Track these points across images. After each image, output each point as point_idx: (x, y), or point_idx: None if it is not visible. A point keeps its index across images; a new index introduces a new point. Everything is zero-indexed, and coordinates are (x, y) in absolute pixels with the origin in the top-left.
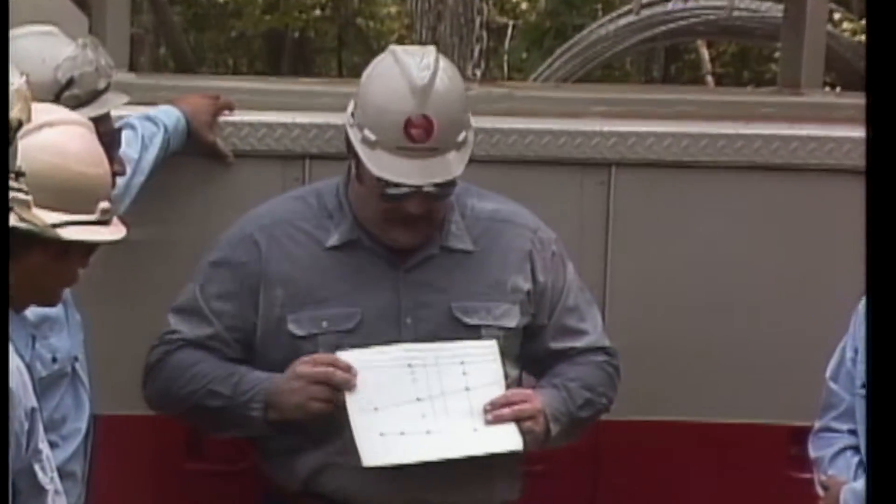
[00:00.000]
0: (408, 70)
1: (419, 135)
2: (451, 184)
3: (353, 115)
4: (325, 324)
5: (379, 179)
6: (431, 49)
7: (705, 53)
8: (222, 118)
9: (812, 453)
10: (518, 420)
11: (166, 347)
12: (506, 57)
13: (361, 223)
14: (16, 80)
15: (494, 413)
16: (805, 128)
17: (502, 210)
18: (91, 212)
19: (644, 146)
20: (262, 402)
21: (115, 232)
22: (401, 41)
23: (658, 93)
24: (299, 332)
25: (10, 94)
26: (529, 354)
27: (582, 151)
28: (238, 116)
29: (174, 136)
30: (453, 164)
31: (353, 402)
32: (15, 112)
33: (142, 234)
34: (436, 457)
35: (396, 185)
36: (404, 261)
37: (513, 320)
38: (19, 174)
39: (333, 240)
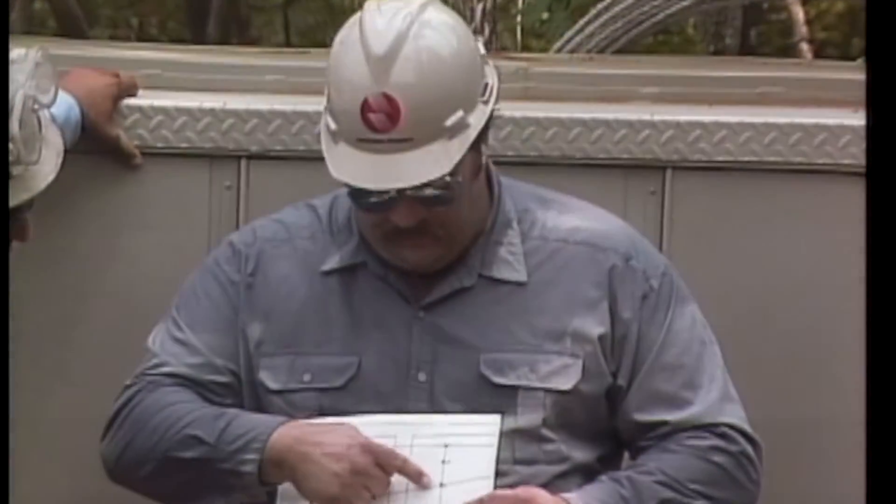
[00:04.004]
0: (368, 32)
1: (380, 121)
2: (444, 185)
3: (327, 95)
4: (307, 377)
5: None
6: (418, 2)
7: (799, 13)
8: (126, 102)
9: None
10: None
11: (140, 385)
12: (519, 18)
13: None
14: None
15: None
16: None
17: (584, 228)
18: None
19: (712, 142)
20: (259, 455)
21: None
22: None
23: (733, 68)
24: (273, 384)
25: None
26: (615, 432)
27: (626, 149)
28: (146, 100)
29: (66, 131)
30: (438, 159)
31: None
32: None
33: (24, 268)
34: None
35: (359, 189)
36: (424, 294)
37: (568, 381)
38: None
39: (332, 262)
